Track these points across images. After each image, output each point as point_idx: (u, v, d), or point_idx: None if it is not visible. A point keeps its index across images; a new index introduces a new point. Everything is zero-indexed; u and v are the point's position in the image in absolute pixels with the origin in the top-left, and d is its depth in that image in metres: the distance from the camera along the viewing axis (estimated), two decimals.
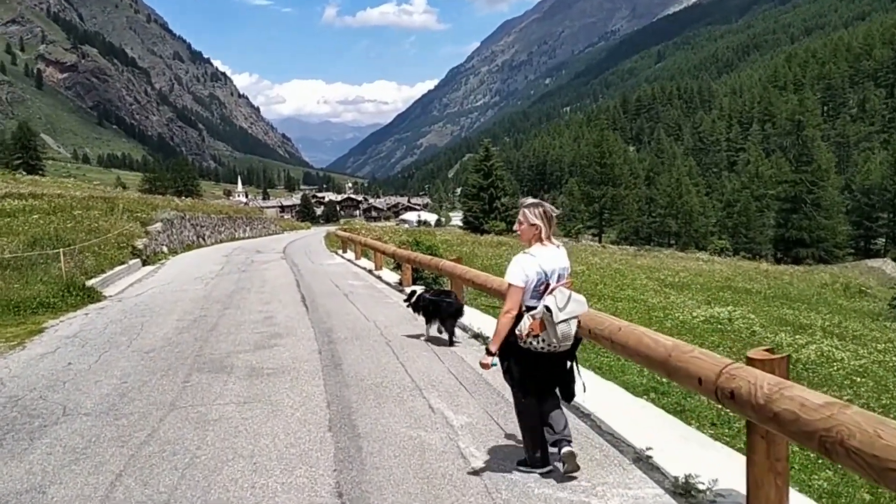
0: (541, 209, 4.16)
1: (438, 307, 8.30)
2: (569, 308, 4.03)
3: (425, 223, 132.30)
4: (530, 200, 4.29)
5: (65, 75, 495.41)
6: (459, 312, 8.37)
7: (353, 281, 15.30)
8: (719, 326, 14.91)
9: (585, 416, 5.38)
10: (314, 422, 5.35)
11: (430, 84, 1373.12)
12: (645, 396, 6.39)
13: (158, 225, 25.81)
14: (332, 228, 57.26)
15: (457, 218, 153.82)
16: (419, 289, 9.00)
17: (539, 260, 4.08)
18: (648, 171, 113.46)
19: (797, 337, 14.53)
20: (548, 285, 4.09)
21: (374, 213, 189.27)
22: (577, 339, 4.26)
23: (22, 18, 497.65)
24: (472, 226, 66.31)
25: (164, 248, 25.56)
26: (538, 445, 4.25)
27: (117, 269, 17.43)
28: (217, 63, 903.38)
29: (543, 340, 4.01)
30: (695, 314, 16.76)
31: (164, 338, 9.06)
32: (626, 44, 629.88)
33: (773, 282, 32.20)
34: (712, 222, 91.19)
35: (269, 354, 7.83)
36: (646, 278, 27.84)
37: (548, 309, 3.97)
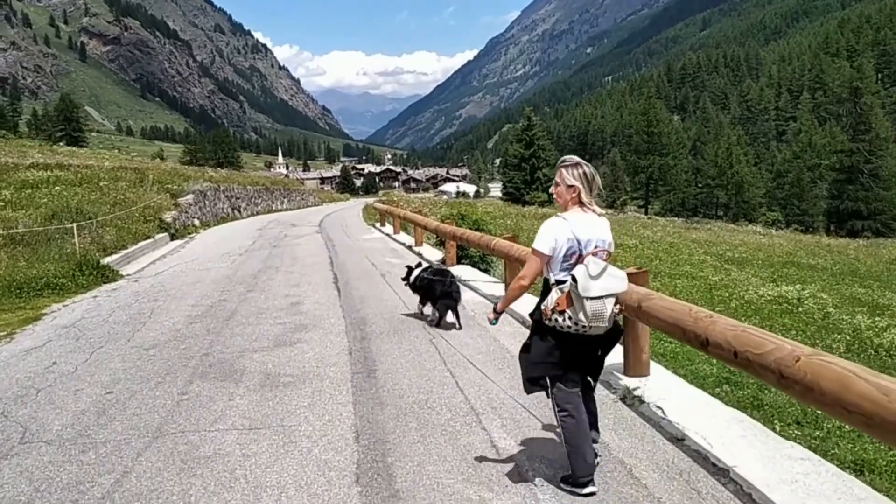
0: (580, 170, 3.64)
1: (432, 288, 7.71)
2: (602, 282, 3.46)
3: (464, 194, 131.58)
4: (570, 160, 3.74)
5: (108, 48, 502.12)
6: (451, 296, 7.60)
7: (392, 259, 13.95)
8: (788, 307, 13.71)
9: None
10: (337, 466, 3.98)
11: (470, 54, 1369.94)
12: (717, 389, 5.75)
13: (190, 197, 24.73)
14: (370, 200, 56.11)
15: (495, 189, 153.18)
16: (418, 269, 8.19)
17: (572, 225, 3.57)
18: (695, 141, 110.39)
19: (876, 319, 13.32)
20: (581, 256, 3.55)
21: (412, 185, 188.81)
22: (617, 330, 3.77)
23: None
24: (513, 197, 64.81)
25: (196, 221, 24.51)
26: (574, 448, 3.63)
27: (141, 244, 16.33)
28: (258, 35, 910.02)
29: (570, 318, 3.50)
30: (760, 293, 15.45)
31: (171, 329, 7.79)
32: (670, 11, 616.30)
33: (837, 257, 30.53)
34: (761, 193, 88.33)
35: (289, 354, 6.49)
36: (703, 253, 26.64)
37: (574, 280, 3.46)
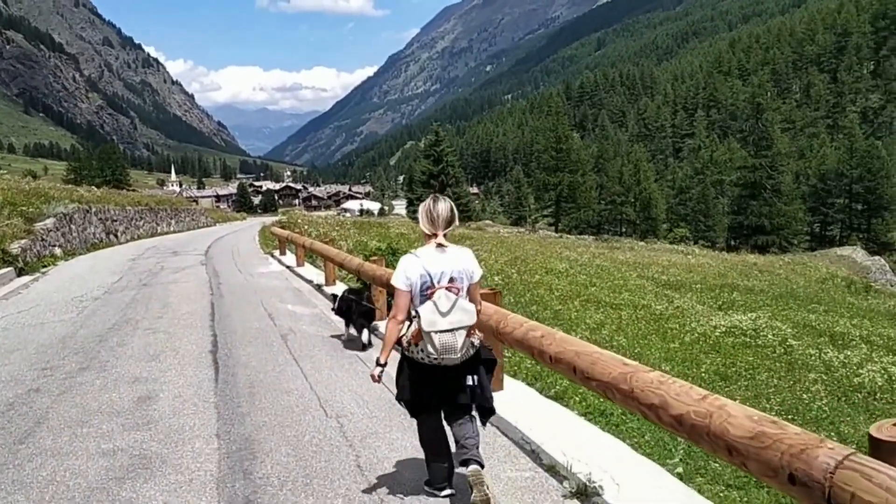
0: (423, 205, 3.84)
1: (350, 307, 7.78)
2: (452, 316, 3.60)
3: (368, 212, 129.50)
4: (430, 195, 3.93)
5: None
6: (370, 314, 7.84)
7: (296, 307, 10.65)
8: (746, 340, 12.77)
9: None
10: None
11: (370, 71, 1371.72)
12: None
13: (49, 222, 20.68)
14: (268, 220, 52.21)
15: (399, 206, 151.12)
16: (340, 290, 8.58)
17: (423, 261, 3.71)
18: (597, 158, 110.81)
19: (847, 353, 11.95)
20: (434, 288, 3.66)
21: (314, 203, 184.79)
22: (481, 357, 3.89)
23: None
24: None
25: (57, 250, 20.49)
26: (429, 462, 3.99)
27: None
28: (150, 49, 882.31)
29: (423, 350, 3.65)
30: (713, 324, 14.21)
31: None
32: (566, 31, 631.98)
33: (769, 277, 29.63)
34: (664, 209, 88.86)
35: None
36: (637, 276, 24.92)
37: (420, 315, 3.61)
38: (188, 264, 17.42)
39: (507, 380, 6.01)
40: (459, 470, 3.83)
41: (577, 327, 11.58)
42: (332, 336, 8.23)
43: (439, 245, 3.74)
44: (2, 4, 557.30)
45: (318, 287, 12.52)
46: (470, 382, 3.82)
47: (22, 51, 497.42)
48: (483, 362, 3.90)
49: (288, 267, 16.39)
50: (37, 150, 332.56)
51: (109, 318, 9.82)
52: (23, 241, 17.43)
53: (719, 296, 21.00)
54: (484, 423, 4.02)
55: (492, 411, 3.99)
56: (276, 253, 19.87)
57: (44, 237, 19.54)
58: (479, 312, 3.86)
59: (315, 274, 14.48)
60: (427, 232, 3.77)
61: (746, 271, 30.90)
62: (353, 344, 7.74)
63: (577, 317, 14.70)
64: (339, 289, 11.24)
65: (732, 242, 78.88)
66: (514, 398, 5.54)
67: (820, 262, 42.10)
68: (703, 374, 8.56)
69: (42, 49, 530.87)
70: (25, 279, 15.22)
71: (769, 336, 13.22)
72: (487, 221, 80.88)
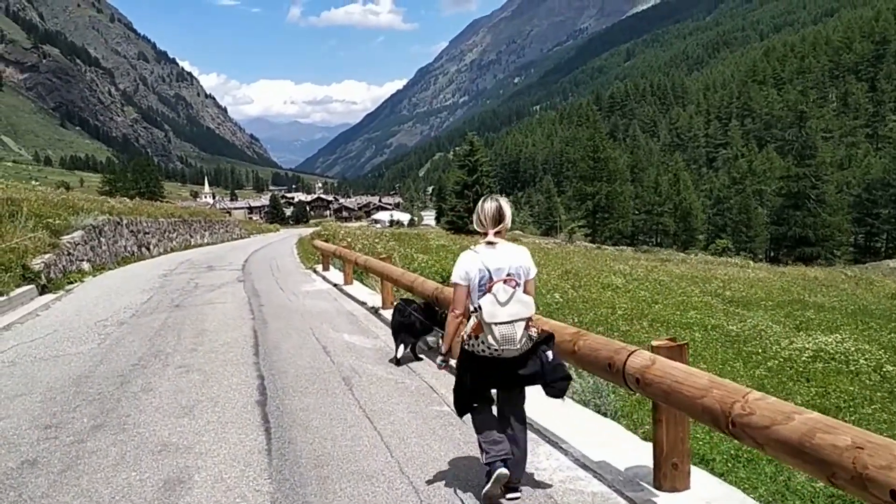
0: (479, 205, 3.99)
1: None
2: (511, 308, 3.70)
3: (398, 223, 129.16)
4: (485, 197, 4.05)
5: (25, 75, 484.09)
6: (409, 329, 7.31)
7: (354, 337, 9.03)
8: (836, 365, 11.75)
9: None
10: None
11: (399, 84, 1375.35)
12: None
13: (77, 234, 19.43)
14: (304, 231, 51.07)
15: (429, 217, 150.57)
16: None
17: (482, 256, 3.87)
18: (631, 168, 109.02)
19: None
20: (493, 282, 3.78)
21: (344, 213, 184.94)
22: (545, 361, 3.89)
23: None
24: (455, 226, 60.57)
25: (85, 265, 19.24)
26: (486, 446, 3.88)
27: None
28: (184, 64, 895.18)
29: (482, 342, 3.76)
30: (795, 346, 13.09)
31: None
32: (594, 42, 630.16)
33: (836, 292, 27.74)
34: (703, 220, 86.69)
35: None
36: (699, 292, 23.39)
37: (480, 307, 3.71)
38: (224, 281, 15.98)
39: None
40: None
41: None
42: (406, 380, 6.65)
43: (489, 243, 3.90)
44: (39, 20, 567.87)
45: (375, 311, 10.84)
46: (549, 357, 3.87)
47: (59, 65, 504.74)
48: (544, 342, 3.92)
49: (334, 285, 14.75)
50: (73, 162, 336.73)
51: (135, 349, 8.35)
52: (47, 256, 16.17)
53: (792, 314, 19.66)
54: (562, 395, 4.02)
55: (567, 377, 3.98)
56: (319, 268, 18.26)
57: (70, 251, 18.28)
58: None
59: (367, 294, 12.92)
60: (479, 230, 3.97)
61: (809, 286, 29.18)
62: (435, 396, 6.16)
63: (648, 339, 13.43)
64: None
65: (773, 253, 76.59)
66: None
67: (873, 275, 40.28)
68: None
69: (78, 63, 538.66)
70: (47, 298, 13.91)
71: (861, 361, 12.12)
72: (518, 232, 79.34)
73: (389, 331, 8.12)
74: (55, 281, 15.74)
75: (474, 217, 3.99)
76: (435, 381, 6.49)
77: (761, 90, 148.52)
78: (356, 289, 13.71)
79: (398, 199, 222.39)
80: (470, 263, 3.85)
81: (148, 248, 28.42)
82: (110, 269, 20.75)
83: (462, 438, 4.84)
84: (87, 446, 4.92)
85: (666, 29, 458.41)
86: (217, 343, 8.54)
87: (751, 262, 41.73)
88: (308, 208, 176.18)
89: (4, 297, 12.49)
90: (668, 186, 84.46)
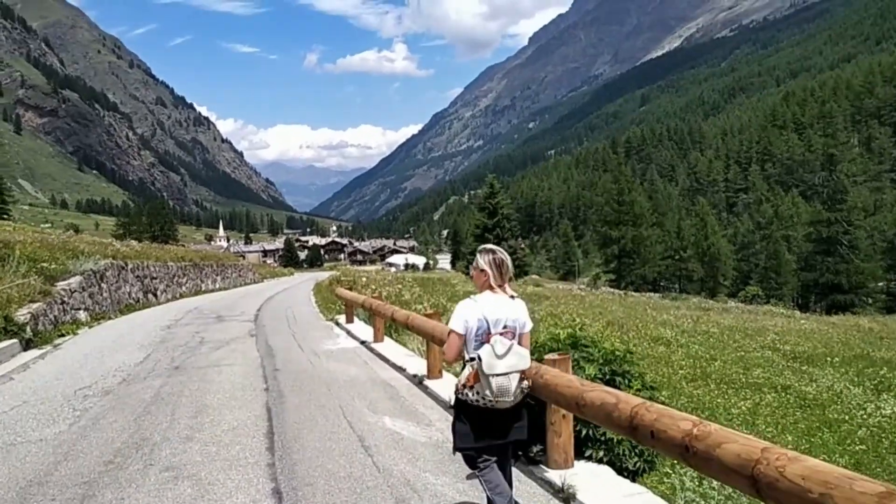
0: (490, 256, 3.90)
1: None
2: (508, 360, 3.68)
3: (413, 266, 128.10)
4: (486, 247, 4.00)
5: (44, 120, 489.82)
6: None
7: (398, 422, 6.77)
8: None
9: None
10: None
11: (414, 129, 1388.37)
12: None
13: (74, 280, 17.58)
14: (319, 275, 49.27)
15: (444, 261, 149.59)
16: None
17: (481, 306, 3.79)
18: (652, 212, 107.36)
19: None
20: (490, 335, 3.75)
21: (359, 257, 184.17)
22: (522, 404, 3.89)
23: (0, 62, 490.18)
24: None
25: (82, 315, 17.35)
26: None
27: None
28: (202, 109, 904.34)
29: (478, 393, 3.70)
30: (884, 412, 11.78)
31: None
32: (609, 88, 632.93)
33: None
34: (731, 267, 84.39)
35: None
36: (756, 346, 21.27)
37: (479, 358, 3.66)
38: (234, 335, 13.98)
39: None
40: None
41: (730, 420, 10.10)
42: None
43: (500, 293, 3.85)
44: (59, 65, 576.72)
45: (419, 381, 8.59)
46: (522, 421, 3.88)
47: (77, 109, 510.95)
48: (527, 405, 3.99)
49: (362, 342, 12.52)
50: (89, 205, 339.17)
51: (115, 435, 6.36)
52: (35, 306, 14.28)
53: (863, 371, 17.50)
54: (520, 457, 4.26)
55: (531, 441, 4.23)
56: (341, 319, 16.12)
57: (65, 299, 16.41)
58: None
59: (404, 355, 10.72)
60: (493, 283, 3.84)
61: (866, 338, 26.95)
62: None
63: (720, 404, 11.47)
64: (450, 384, 7.65)
65: (802, 300, 74.01)
66: None
67: None
68: None
69: (97, 108, 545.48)
70: (30, 355, 11.99)
71: None
72: (535, 276, 77.33)
73: (443, 412, 6.10)
74: (43, 334, 13.84)
75: (490, 268, 3.83)
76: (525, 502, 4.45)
77: (781, 134, 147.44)
78: (389, 348, 11.56)
79: (413, 243, 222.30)
80: (470, 313, 3.78)
81: (155, 295, 26.59)
82: (111, 318, 18.89)
83: None
84: None
85: (681, 75, 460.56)
86: (220, 428, 6.52)
87: (796, 313, 39.33)
88: (322, 252, 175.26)
89: None
90: (692, 231, 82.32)
